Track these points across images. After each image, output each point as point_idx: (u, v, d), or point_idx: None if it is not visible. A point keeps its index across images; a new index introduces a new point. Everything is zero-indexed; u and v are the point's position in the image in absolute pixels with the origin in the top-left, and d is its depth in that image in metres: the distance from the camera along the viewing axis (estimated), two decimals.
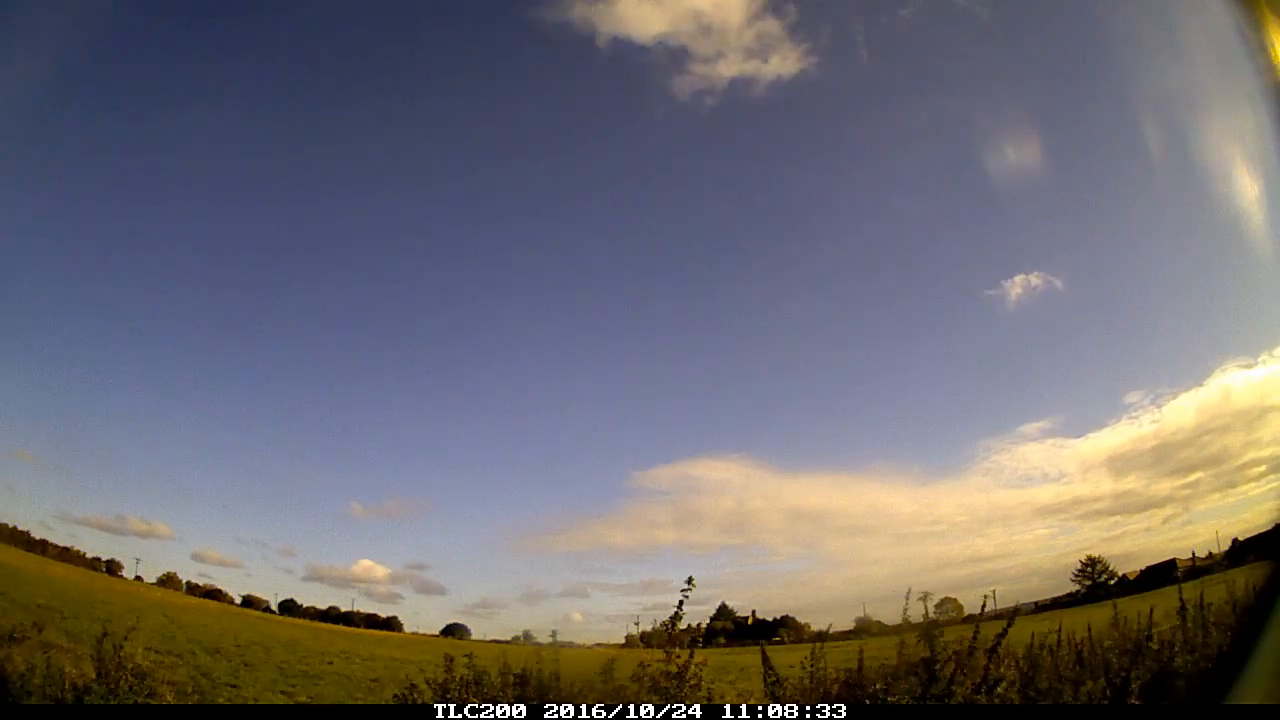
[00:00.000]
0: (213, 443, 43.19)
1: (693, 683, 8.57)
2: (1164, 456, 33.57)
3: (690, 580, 9.19)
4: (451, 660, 9.95)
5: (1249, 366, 29.03)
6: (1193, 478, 32.62)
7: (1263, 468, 25.65)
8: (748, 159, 46.30)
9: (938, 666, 8.83)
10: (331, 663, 20.59)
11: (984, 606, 10.48)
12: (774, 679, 9.33)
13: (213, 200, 42.74)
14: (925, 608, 11.03)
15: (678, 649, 8.81)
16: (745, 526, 40.65)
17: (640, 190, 46.68)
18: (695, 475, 40.70)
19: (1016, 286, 38.89)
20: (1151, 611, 11.25)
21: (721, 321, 47.18)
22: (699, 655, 9.08)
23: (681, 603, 9.24)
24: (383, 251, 45.73)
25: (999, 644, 8.96)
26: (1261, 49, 5.76)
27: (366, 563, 37.33)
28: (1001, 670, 8.97)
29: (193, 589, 35.64)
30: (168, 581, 35.47)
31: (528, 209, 46.43)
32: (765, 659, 9.56)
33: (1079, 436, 37.45)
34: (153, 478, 41.09)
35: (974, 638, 9.00)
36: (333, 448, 44.33)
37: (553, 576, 41.46)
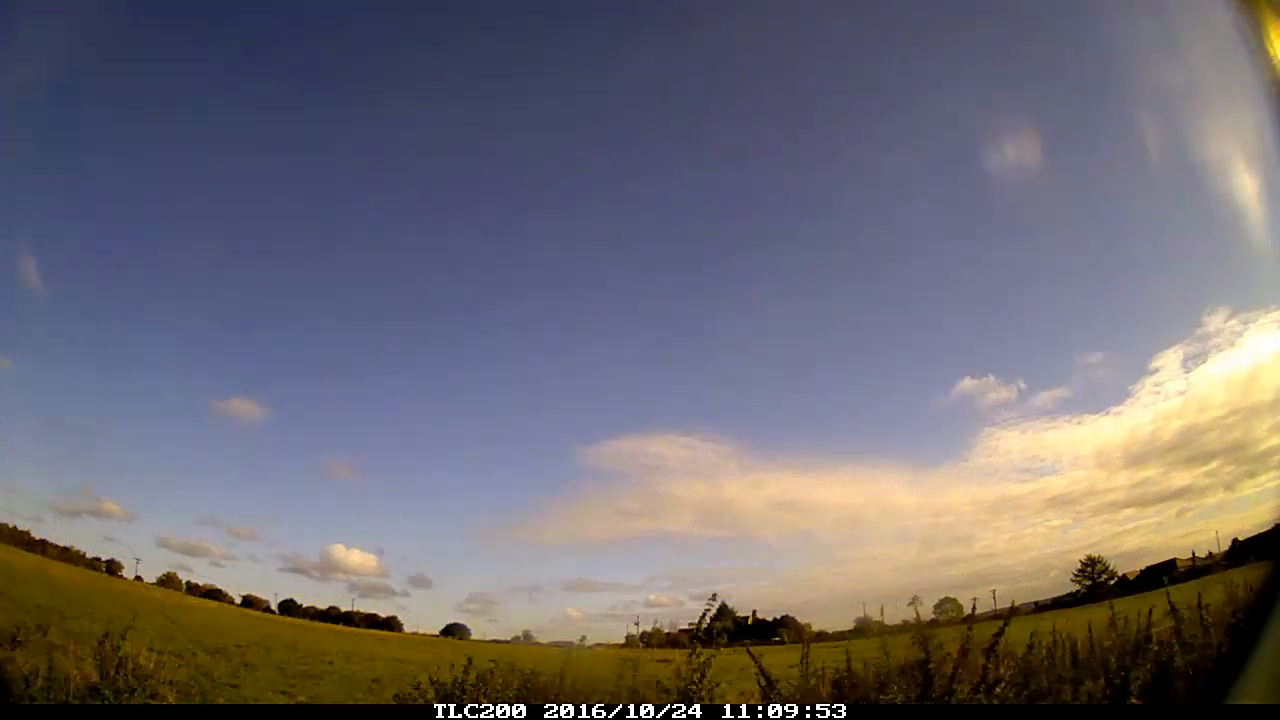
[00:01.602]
0: (170, 425, 42.55)
1: (710, 685, 8.71)
2: (1187, 440, 31.22)
3: (714, 596, 10.18)
4: (470, 661, 10.05)
5: None
6: (1212, 466, 30.46)
7: None
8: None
9: (931, 667, 8.87)
10: (331, 663, 20.60)
11: (974, 607, 10.54)
12: (765, 682, 9.49)
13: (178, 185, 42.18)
14: (916, 611, 11.25)
15: (700, 649, 8.95)
16: (723, 515, 39.70)
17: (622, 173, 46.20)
18: (654, 453, 39.50)
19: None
20: (1150, 611, 11.26)
21: (695, 310, 46.38)
22: (701, 654, 9.19)
23: (705, 613, 9.77)
24: (337, 240, 45.44)
25: (996, 644, 9.00)
26: (1261, 48, 5.77)
27: (340, 548, 37.08)
28: (1000, 670, 8.99)
29: (193, 589, 35.68)
30: (168, 581, 35.49)
31: (519, 207, 46.42)
32: (758, 664, 9.71)
33: (1098, 412, 35.03)
34: (109, 459, 40.44)
35: (968, 639, 9.05)
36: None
37: (533, 571, 41.10)
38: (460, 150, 44.43)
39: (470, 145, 44.95)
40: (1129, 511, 33.54)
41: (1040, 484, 35.95)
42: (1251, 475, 26.60)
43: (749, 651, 10.00)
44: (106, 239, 43.83)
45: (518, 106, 42.46)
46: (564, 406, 44.72)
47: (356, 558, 36.95)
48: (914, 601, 11.39)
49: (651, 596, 37.73)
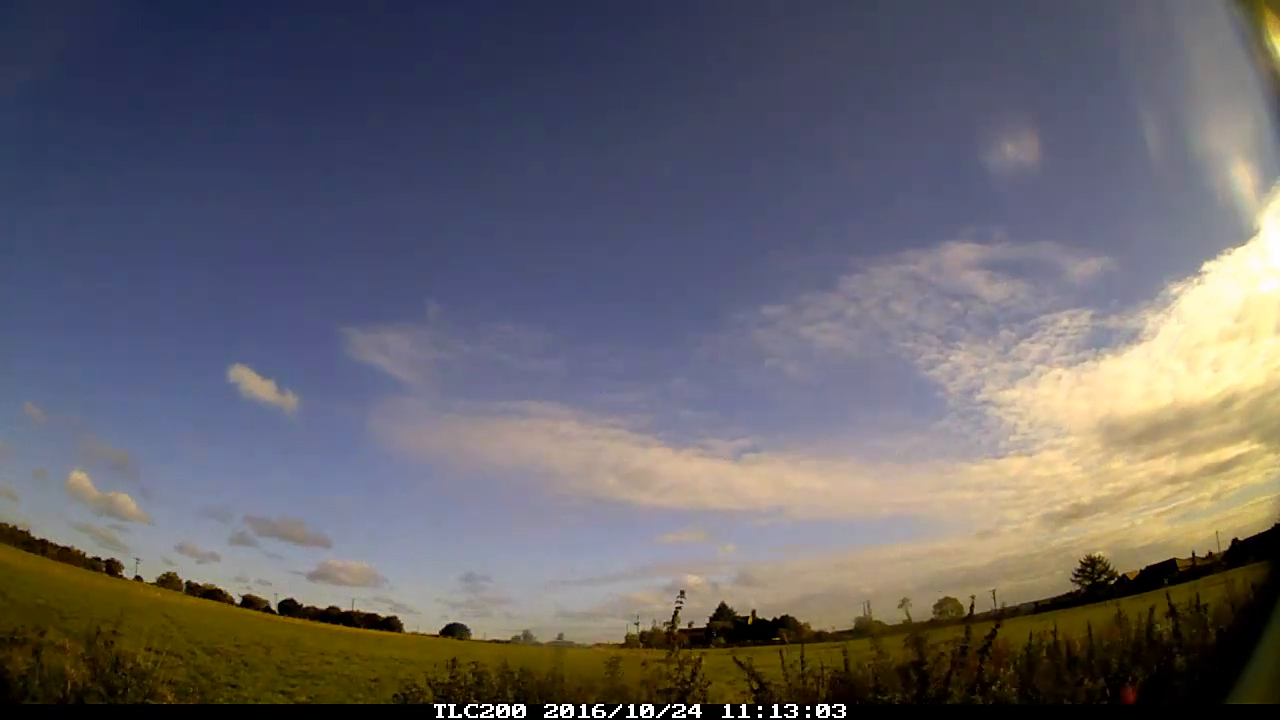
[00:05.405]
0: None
1: (700, 685, 8.63)
2: (1258, 387, 25.45)
3: (682, 594, 9.92)
4: (455, 662, 10.00)
5: None
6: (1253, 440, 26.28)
7: None
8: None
9: (926, 667, 8.88)
10: (331, 663, 20.58)
11: (973, 607, 10.53)
12: (758, 685, 9.52)
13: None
14: (907, 613, 11.28)
15: (680, 650, 8.85)
16: (686, 496, 38.08)
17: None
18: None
19: None
20: (1151, 611, 11.25)
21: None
22: (695, 653, 9.16)
23: (677, 610, 9.71)
24: None
25: (989, 645, 9.01)
26: (1261, 48, 5.76)
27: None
28: (998, 670, 8.99)
29: (192, 589, 35.75)
30: (167, 581, 35.57)
31: (522, 211, 46.45)
32: (749, 670, 9.73)
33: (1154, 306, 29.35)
34: None
35: (965, 638, 9.06)
36: None
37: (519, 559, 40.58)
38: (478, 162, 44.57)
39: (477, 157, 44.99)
40: (1165, 491, 29.84)
41: (1049, 462, 33.00)
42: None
43: (736, 661, 10.03)
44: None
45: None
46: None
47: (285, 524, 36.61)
48: (905, 603, 11.39)
49: (642, 594, 37.42)
